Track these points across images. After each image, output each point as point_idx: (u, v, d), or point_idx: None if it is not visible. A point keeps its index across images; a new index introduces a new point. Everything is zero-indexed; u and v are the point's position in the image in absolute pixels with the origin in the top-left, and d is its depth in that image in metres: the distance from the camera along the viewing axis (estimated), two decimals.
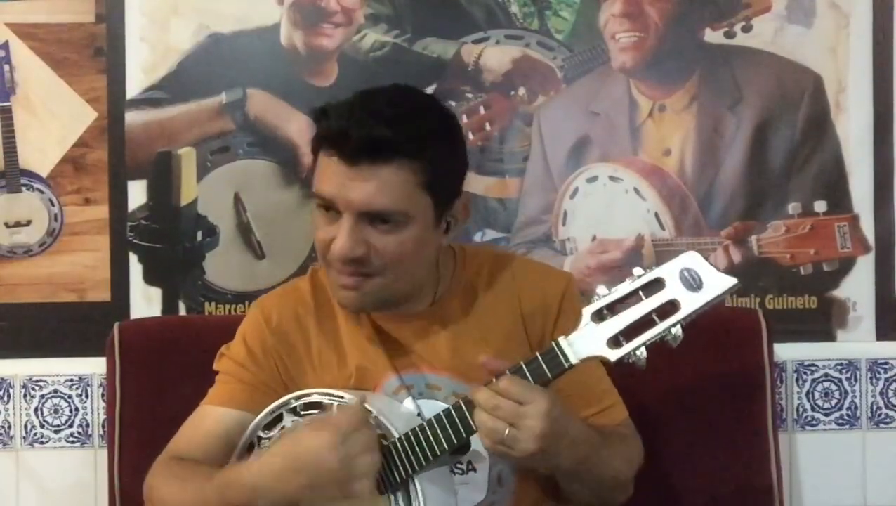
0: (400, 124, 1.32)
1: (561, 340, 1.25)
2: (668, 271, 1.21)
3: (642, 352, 1.21)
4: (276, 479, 1.28)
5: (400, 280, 1.40)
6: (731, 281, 1.21)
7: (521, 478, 1.44)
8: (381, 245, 1.35)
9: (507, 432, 1.23)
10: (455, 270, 1.50)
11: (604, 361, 1.24)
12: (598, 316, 1.23)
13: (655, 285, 1.21)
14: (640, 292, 1.21)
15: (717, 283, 1.20)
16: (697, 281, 1.20)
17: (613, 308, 1.22)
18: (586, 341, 1.23)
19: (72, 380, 1.95)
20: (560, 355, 1.24)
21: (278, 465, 1.28)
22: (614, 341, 1.22)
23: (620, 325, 1.22)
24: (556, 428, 1.24)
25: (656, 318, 1.21)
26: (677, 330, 1.20)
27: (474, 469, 1.42)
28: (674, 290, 1.20)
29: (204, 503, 1.34)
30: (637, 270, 1.23)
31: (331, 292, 1.45)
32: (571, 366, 1.24)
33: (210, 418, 1.47)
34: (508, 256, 1.58)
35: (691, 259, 1.21)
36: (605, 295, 1.23)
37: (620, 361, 1.22)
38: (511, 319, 1.48)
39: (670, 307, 1.20)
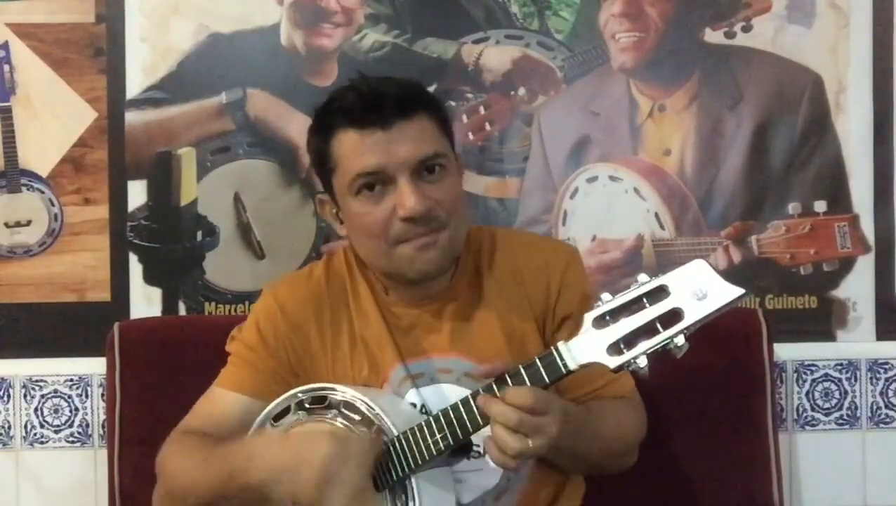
0: (412, 84, 1.43)
1: (560, 345, 1.24)
2: (674, 279, 1.19)
3: (643, 360, 1.19)
4: (268, 452, 1.31)
5: (459, 230, 1.43)
6: (738, 291, 1.18)
7: (538, 466, 1.45)
8: (439, 194, 1.39)
9: (530, 444, 1.23)
10: (463, 252, 1.51)
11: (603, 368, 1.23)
12: (600, 322, 1.21)
13: (660, 293, 1.19)
14: (644, 300, 1.19)
15: (723, 292, 1.17)
16: (703, 290, 1.17)
17: (616, 315, 1.21)
18: (586, 347, 1.22)
19: (72, 380, 1.95)
20: (559, 361, 1.24)
21: (276, 447, 1.32)
22: (615, 348, 1.20)
23: (622, 332, 1.20)
24: (564, 427, 1.25)
25: (659, 326, 1.19)
26: (680, 340, 1.18)
27: None
28: (678, 298, 1.18)
29: (208, 468, 1.36)
30: (642, 277, 1.21)
31: (405, 269, 1.41)
32: (570, 372, 1.24)
33: (221, 402, 1.48)
34: (509, 234, 1.58)
35: (697, 268, 1.19)
36: (608, 301, 1.21)
37: (620, 368, 1.20)
38: (516, 297, 1.48)
39: (674, 316, 1.18)
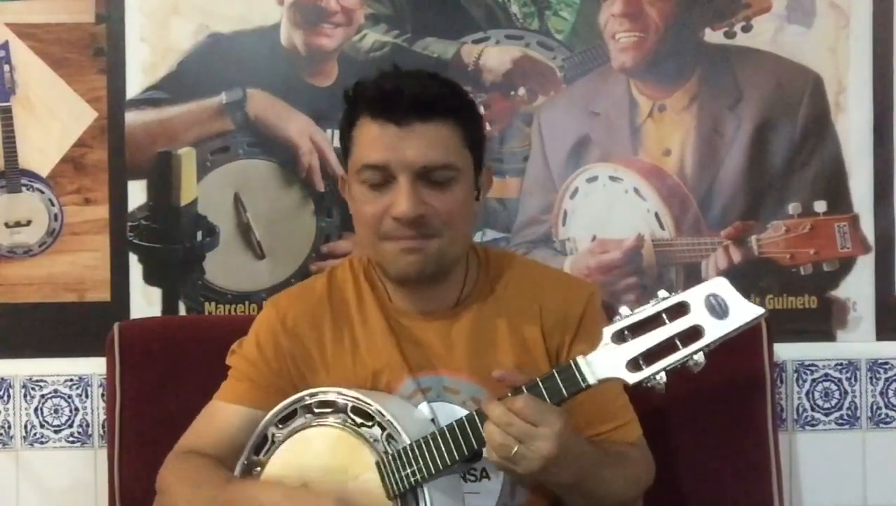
0: (444, 86, 1.41)
1: (580, 358, 1.23)
2: (694, 296, 1.19)
3: (662, 377, 1.18)
4: None
5: (454, 243, 1.41)
6: (758, 310, 1.18)
7: (534, 491, 1.44)
8: (438, 203, 1.37)
9: (515, 449, 1.22)
10: (479, 272, 1.50)
11: (622, 384, 1.22)
12: (619, 337, 1.21)
13: (680, 309, 1.19)
14: (664, 316, 1.19)
15: (744, 311, 1.18)
16: (723, 308, 1.17)
17: (635, 330, 1.20)
18: (605, 362, 1.21)
19: (72, 380, 1.95)
20: (578, 375, 1.23)
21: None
22: (634, 364, 1.20)
23: (641, 348, 1.19)
24: (563, 449, 1.24)
25: (679, 343, 1.18)
26: (700, 357, 1.18)
27: (488, 477, 1.42)
28: (698, 315, 1.18)
29: None
30: (662, 293, 1.21)
31: (388, 266, 1.42)
32: (589, 386, 1.23)
33: (221, 415, 1.48)
34: (531, 263, 1.58)
35: (718, 285, 1.19)
36: (627, 316, 1.21)
37: (639, 384, 1.20)
38: (531, 328, 1.47)
39: (694, 333, 1.18)
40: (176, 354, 1.79)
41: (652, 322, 1.19)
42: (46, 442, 1.95)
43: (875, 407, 2.01)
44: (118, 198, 1.95)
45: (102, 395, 1.92)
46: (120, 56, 1.94)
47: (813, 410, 2.01)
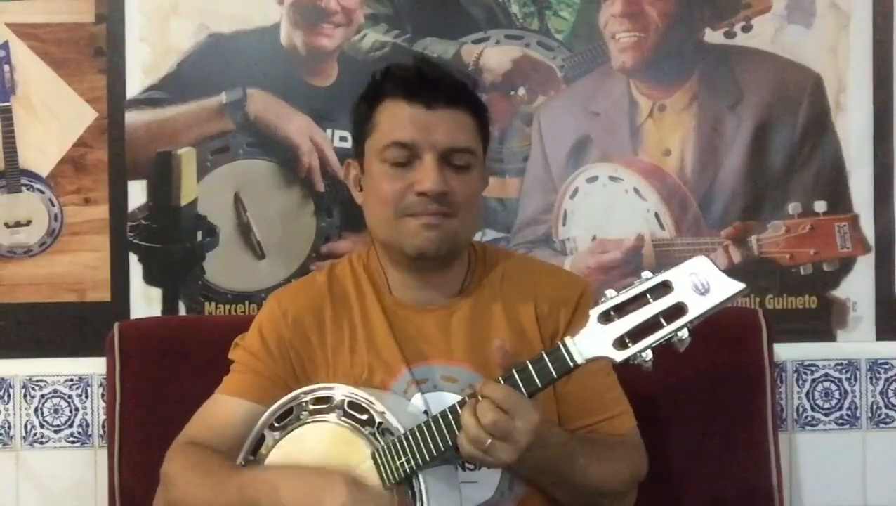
0: (467, 83, 1.50)
1: (567, 340, 1.25)
2: (676, 275, 1.21)
3: (648, 354, 1.21)
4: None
5: (466, 227, 1.48)
6: (739, 285, 1.21)
7: (532, 483, 1.44)
8: (457, 185, 1.43)
9: (488, 442, 1.24)
10: (477, 266, 1.53)
11: (610, 362, 1.24)
12: (605, 317, 1.23)
13: (663, 289, 1.21)
14: (648, 295, 1.21)
15: (725, 287, 1.20)
16: (705, 285, 1.20)
17: (620, 310, 1.22)
18: (592, 342, 1.23)
19: (72, 380, 1.95)
20: (566, 355, 1.24)
21: (292, 497, 1.31)
22: (620, 343, 1.22)
23: (627, 326, 1.22)
24: (537, 441, 1.26)
25: (663, 320, 1.20)
26: (684, 333, 1.20)
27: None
28: (681, 293, 1.20)
29: (221, 493, 1.37)
30: (645, 273, 1.23)
31: (405, 243, 1.44)
32: (577, 365, 1.24)
33: (223, 408, 1.49)
34: (526, 258, 1.62)
35: (699, 263, 1.21)
36: (612, 297, 1.23)
37: (626, 362, 1.22)
38: (527, 317, 1.49)
39: (677, 311, 1.20)
40: (176, 354, 1.79)
41: (636, 302, 1.22)
42: (46, 442, 1.95)
43: (875, 407, 2.01)
44: (118, 198, 1.95)
45: (102, 395, 1.92)
46: (120, 56, 1.94)
47: (813, 410, 2.01)
